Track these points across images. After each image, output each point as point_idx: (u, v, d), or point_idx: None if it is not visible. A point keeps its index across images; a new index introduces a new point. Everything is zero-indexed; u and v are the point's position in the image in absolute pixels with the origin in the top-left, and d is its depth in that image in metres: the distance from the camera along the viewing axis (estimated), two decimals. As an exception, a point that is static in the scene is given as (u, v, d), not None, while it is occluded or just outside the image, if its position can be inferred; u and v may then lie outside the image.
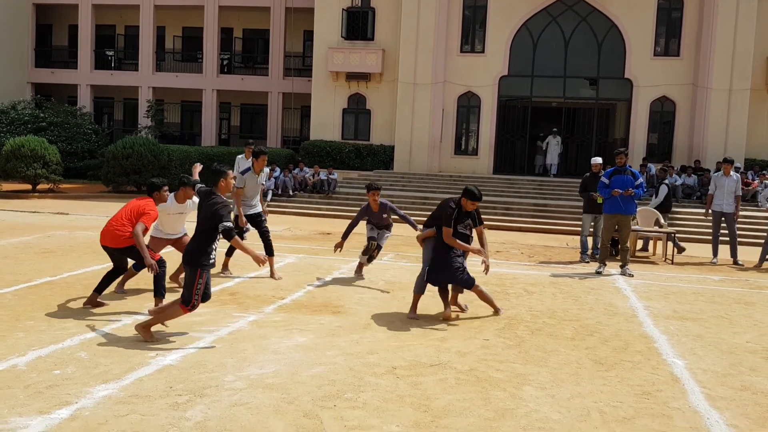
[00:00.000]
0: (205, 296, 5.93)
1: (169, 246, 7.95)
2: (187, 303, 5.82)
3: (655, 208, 13.55)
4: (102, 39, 31.54)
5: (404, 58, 23.26)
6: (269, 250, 8.90)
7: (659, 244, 13.04)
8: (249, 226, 9.17)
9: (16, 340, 5.73)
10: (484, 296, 7.23)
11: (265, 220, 9.23)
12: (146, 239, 6.87)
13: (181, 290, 7.87)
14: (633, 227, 11.64)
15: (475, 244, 7.17)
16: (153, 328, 5.90)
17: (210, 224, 5.81)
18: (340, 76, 24.69)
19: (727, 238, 12.48)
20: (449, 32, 23.49)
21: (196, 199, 8.00)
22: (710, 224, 13.08)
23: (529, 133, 24.17)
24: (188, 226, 7.63)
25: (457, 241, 6.89)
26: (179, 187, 7.72)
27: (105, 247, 7.01)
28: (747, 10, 21.41)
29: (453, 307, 7.28)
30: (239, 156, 12.58)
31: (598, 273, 10.41)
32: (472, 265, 7.61)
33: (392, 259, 11.13)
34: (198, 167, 8.44)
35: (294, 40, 29.29)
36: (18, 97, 28.57)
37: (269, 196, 18.80)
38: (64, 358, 5.28)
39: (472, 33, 23.91)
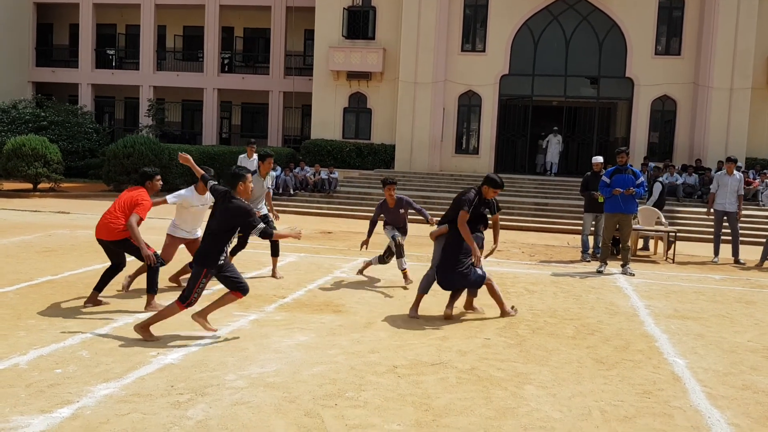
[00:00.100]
0: (243, 289, 5.96)
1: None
2: (185, 300, 5.82)
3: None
4: (103, 38, 31.55)
5: (405, 57, 23.26)
6: (275, 250, 8.91)
7: (660, 243, 13.03)
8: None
9: (18, 339, 5.73)
10: (494, 293, 7.15)
11: (274, 219, 9.19)
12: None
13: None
14: (634, 226, 11.63)
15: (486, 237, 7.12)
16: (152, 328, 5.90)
17: (228, 226, 5.80)
18: (341, 75, 24.69)
19: (728, 238, 12.47)
20: (450, 31, 23.49)
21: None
22: (711, 223, 13.08)
23: (530, 132, 24.17)
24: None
25: (467, 230, 6.80)
26: (197, 181, 7.69)
27: (100, 241, 6.98)
28: (748, 9, 21.40)
29: (467, 310, 7.27)
30: (241, 156, 12.61)
31: (599, 272, 10.41)
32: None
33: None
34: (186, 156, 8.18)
35: (295, 39, 29.29)
36: (19, 96, 28.59)
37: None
38: (65, 357, 5.28)
39: (473, 32, 23.90)
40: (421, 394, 4.78)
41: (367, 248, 8.99)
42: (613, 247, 11.66)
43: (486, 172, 22.93)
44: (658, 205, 13.72)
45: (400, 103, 23.53)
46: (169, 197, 7.73)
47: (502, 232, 16.57)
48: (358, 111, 25.03)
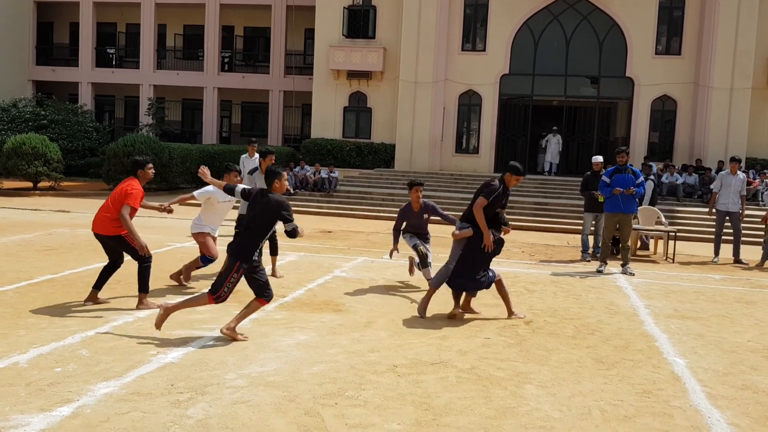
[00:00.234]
0: (269, 296, 5.94)
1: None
2: (215, 293, 5.82)
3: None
4: (103, 37, 31.56)
5: (405, 56, 23.26)
6: (274, 249, 8.91)
7: (660, 242, 13.03)
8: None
9: (18, 337, 5.73)
10: (502, 291, 7.10)
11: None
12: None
13: (175, 290, 7.88)
14: (634, 226, 11.63)
15: None
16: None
17: (266, 221, 5.81)
18: (341, 75, 24.69)
19: (729, 238, 12.45)
20: (450, 30, 23.49)
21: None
22: (711, 223, 13.07)
23: (530, 132, 24.16)
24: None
25: (482, 216, 6.76)
26: (223, 174, 7.64)
27: (97, 236, 6.96)
28: (748, 9, 21.39)
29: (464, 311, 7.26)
30: (243, 156, 12.60)
31: (599, 272, 10.41)
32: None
33: (393, 257, 11.12)
34: (205, 170, 8.26)
35: (295, 38, 29.29)
36: (19, 94, 28.59)
37: None
38: (65, 356, 5.28)
39: (473, 31, 23.90)
40: (421, 394, 4.78)
41: (398, 252, 8.62)
42: (613, 247, 11.66)
43: (486, 171, 23.14)
44: (650, 203, 13.72)
45: (400, 103, 23.53)
46: (196, 192, 7.73)
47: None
48: (358, 110, 25.03)
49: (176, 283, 8.11)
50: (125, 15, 31.38)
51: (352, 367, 5.28)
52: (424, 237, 8.59)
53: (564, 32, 23.34)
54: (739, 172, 12.25)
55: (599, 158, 12.39)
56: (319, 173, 20.75)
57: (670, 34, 22.95)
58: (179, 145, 23.29)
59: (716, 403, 4.85)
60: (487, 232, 6.80)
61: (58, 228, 12.83)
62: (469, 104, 24.03)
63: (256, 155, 13.42)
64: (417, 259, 8.48)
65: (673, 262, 11.94)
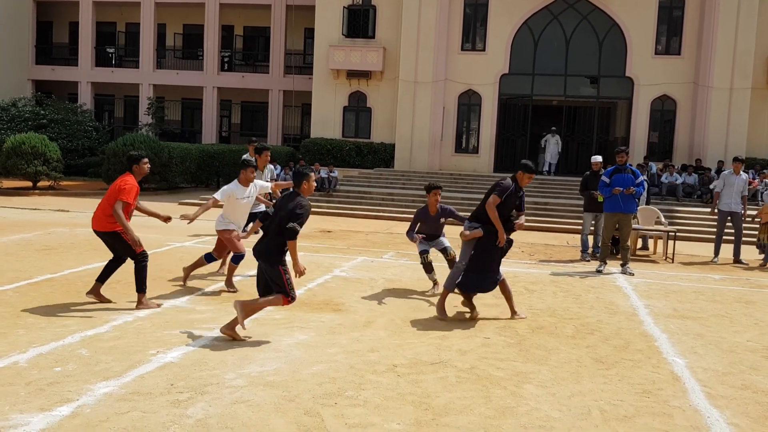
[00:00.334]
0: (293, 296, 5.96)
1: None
2: (287, 295, 5.85)
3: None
4: (103, 36, 31.55)
5: (405, 56, 23.26)
6: None
7: (660, 242, 13.03)
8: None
9: (17, 337, 5.73)
10: (506, 291, 7.08)
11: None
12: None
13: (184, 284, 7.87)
14: (633, 226, 11.63)
15: None
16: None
17: (285, 222, 5.82)
18: (341, 74, 24.69)
19: (730, 238, 12.43)
20: (450, 30, 23.49)
21: (258, 182, 7.96)
22: (711, 223, 13.06)
23: (529, 132, 24.16)
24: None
25: (495, 213, 6.73)
26: (239, 171, 7.59)
27: (96, 232, 6.95)
28: (748, 9, 21.39)
29: (464, 309, 7.27)
30: (244, 156, 12.53)
31: (599, 271, 10.41)
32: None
33: (393, 257, 11.14)
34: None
35: (295, 37, 29.28)
36: (18, 94, 28.58)
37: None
38: (64, 355, 5.28)
39: (473, 31, 23.90)
40: (421, 393, 4.78)
41: (422, 237, 8.33)
42: (613, 247, 11.66)
43: (486, 171, 23.15)
44: (645, 203, 13.72)
45: (400, 102, 23.53)
46: (217, 195, 7.67)
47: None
48: (357, 110, 25.03)
49: (185, 277, 8.06)
50: (125, 14, 31.37)
51: (351, 367, 5.28)
52: (438, 243, 8.36)
53: (564, 32, 23.34)
54: (741, 172, 12.24)
55: (598, 158, 12.39)
56: (319, 173, 20.73)
57: (669, 34, 22.95)
58: (179, 144, 23.28)
59: (715, 403, 4.85)
60: (501, 228, 6.79)
61: (57, 227, 12.83)
62: (468, 104, 24.03)
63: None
64: (422, 264, 8.33)
65: (673, 262, 11.94)
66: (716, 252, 12.30)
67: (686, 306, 8.20)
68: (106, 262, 7.16)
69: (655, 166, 20.87)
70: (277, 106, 29.42)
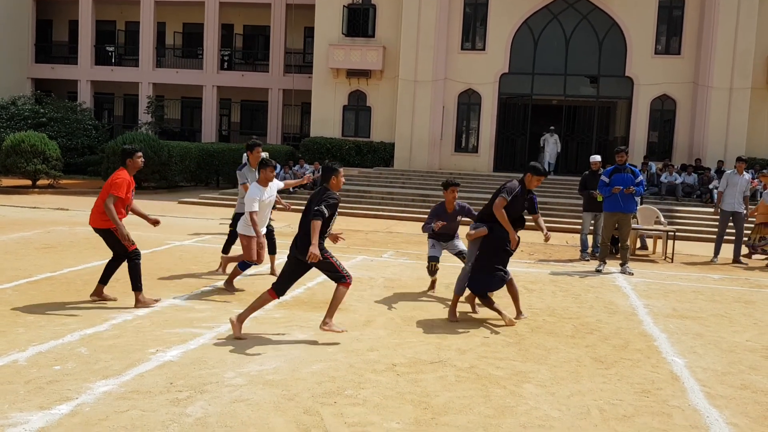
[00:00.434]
0: (280, 291, 6.01)
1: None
2: (343, 279, 5.92)
3: None
4: (102, 34, 31.52)
5: (405, 55, 23.25)
6: (272, 248, 8.90)
7: (659, 242, 13.04)
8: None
9: (17, 335, 5.73)
10: (513, 291, 7.05)
11: (285, 208, 9.24)
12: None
13: (224, 280, 7.85)
14: (633, 225, 11.64)
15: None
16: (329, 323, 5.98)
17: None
18: (341, 73, 24.68)
19: (731, 238, 12.41)
20: (450, 29, 23.48)
21: (278, 183, 7.87)
22: (710, 222, 13.05)
23: (529, 131, 24.16)
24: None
25: (504, 215, 6.68)
26: (259, 170, 7.55)
27: (94, 229, 6.94)
28: (748, 9, 21.39)
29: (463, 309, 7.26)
30: (245, 154, 12.50)
31: (598, 271, 10.41)
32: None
33: (392, 256, 11.14)
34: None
35: (294, 36, 29.27)
36: (18, 92, 28.57)
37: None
38: (64, 354, 5.28)
39: (473, 30, 23.89)
40: (420, 393, 4.78)
41: (437, 227, 8.00)
42: (612, 246, 11.67)
43: (485, 170, 23.15)
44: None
45: (399, 102, 23.52)
46: (254, 207, 7.45)
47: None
48: (357, 109, 25.02)
49: (223, 273, 7.99)
50: (124, 13, 31.34)
51: (351, 366, 5.28)
52: (452, 245, 8.11)
53: (564, 31, 23.33)
54: (744, 172, 12.23)
55: (597, 157, 12.40)
56: (318, 172, 20.74)
57: (669, 34, 22.95)
58: (178, 143, 23.28)
59: (715, 403, 4.86)
60: (512, 231, 6.76)
61: (57, 226, 12.83)
62: (468, 103, 24.02)
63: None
64: (428, 271, 8.12)
65: (672, 262, 11.94)
66: (716, 252, 12.29)
67: (685, 306, 8.20)
68: (105, 263, 7.15)
69: (654, 166, 20.87)
70: (277, 105, 29.41)
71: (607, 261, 10.72)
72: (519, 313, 7.12)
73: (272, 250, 8.91)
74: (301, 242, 5.93)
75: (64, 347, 5.46)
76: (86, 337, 5.77)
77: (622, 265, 10.52)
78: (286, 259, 6.16)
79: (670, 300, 8.50)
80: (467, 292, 7.21)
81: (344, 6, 24.33)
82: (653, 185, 19.91)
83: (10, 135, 21.12)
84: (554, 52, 23.43)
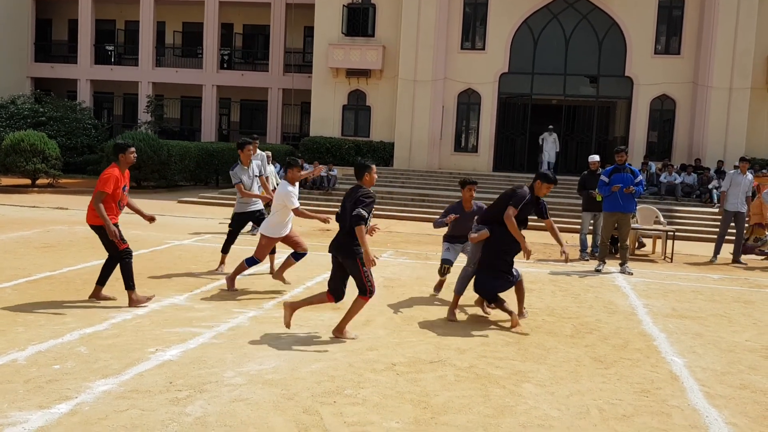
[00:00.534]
0: (337, 295, 6.11)
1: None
2: (365, 293, 5.93)
3: None
4: (102, 34, 31.51)
5: (404, 54, 23.25)
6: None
7: (658, 242, 13.04)
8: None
9: (16, 334, 5.73)
10: (520, 291, 7.00)
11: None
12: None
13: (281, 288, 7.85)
14: (632, 225, 11.64)
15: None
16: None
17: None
18: (341, 73, 24.68)
19: (731, 238, 12.41)
20: (450, 29, 23.48)
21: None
22: (709, 222, 13.05)
23: (529, 131, 24.17)
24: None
25: (514, 224, 6.57)
26: (286, 169, 7.52)
27: (90, 226, 6.93)
28: (748, 9, 21.40)
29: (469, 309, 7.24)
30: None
31: (598, 271, 10.42)
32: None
33: (391, 255, 11.14)
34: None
35: (294, 36, 29.26)
36: (17, 91, 28.55)
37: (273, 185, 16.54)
38: (63, 353, 5.28)
39: (473, 30, 23.89)
40: (420, 392, 4.78)
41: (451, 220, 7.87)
42: (612, 246, 11.67)
43: (485, 170, 23.14)
44: None
45: (399, 101, 23.52)
46: (295, 201, 7.46)
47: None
48: (357, 108, 25.02)
49: (281, 281, 7.89)
50: (124, 12, 31.33)
51: (350, 366, 5.28)
52: (467, 241, 7.68)
53: (563, 31, 23.33)
54: (747, 172, 12.22)
55: (596, 157, 12.41)
56: (318, 171, 20.72)
57: (669, 34, 22.95)
58: (178, 142, 23.27)
59: (714, 403, 4.86)
60: (524, 243, 6.63)
61: (56, 225, 12.82)
62: (468, 103, 24.02)
63: (259, 152, 13.38)
64: (440, 273, 7.89)
65: (672, 262, 11.95)
66: (717, 251, 12.26)
67: (685, 305, 8.21)
68: (103, 264, 7.14)
69: (654, 166, 20.88)
70: (277, 104, 29.41)
71: (606, 261, 10.72)
72: (520, 313, 7.11)
73: (271, 251, 8.90)
74: (339, 242, 5.98)
75: (64, 346, 5.45)
76: (86, 336, 5.77)
77: (621, 264, 10.52)
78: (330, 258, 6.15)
79: (669, 300, 8.51)
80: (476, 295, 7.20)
81: (344, 5, 24.33)
82: (653, 185, 19.91)
83: (10, 134, 21.11)
84: (554, 52, 23.43)
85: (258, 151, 13.33)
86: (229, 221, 9.23)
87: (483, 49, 23.63)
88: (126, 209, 7.10)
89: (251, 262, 7.87)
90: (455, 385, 4.96)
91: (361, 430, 4.10)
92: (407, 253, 11.40)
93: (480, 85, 23.60)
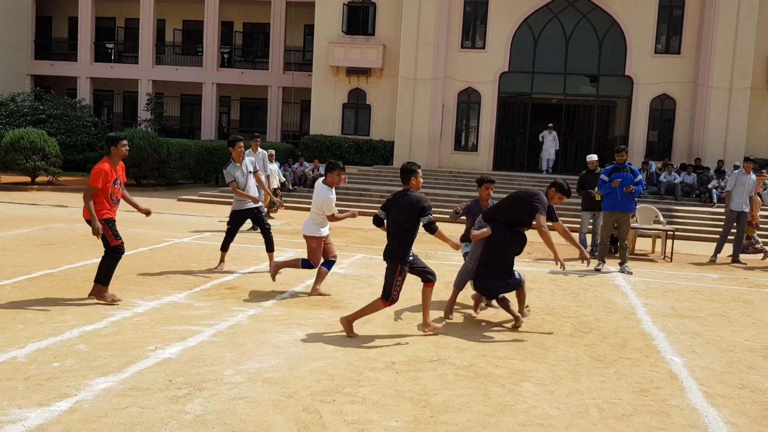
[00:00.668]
0: (433, 277, 6.21)
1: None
2: (388, 297, 5.99)
3: None
4: (102, 31, 31.49)
5: (405, 53, 23.23)
6: (270, 246, 8.89)
7: (658, 241, 13.04)
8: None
9: (16, 332, 5.73)
10: (521, 294, 6.93)
11: (279, 205, 9.23)
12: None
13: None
14: (632, 225, 11.64)
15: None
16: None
17: (410, 221, 5.98)
18: (341, 71, 24.66)
19: (731, 238, 12.41)
20: (450, 28, 23.46)
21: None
22: (710, 222, 13.04)
23: (528, 130, 24.16)
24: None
25: (551, 239, 6.46)
26: (326, 172, 7.44)
27: (86, 221, 6.92)
28: (748, 8, 21.39)
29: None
30: (246, 151, 12.49)
31: (597, 270, 10.41)
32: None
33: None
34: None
35: (294, 34, 29.24)
36: (17, 89, 28.53)
37: (274, 184, 15.61)
38: (63, 351, 5.28)
39: (473, 29, 23.88)
40: (419, 391, 4.78)
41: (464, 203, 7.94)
42: (611, 245, 11.67)
43: (485, 169, 23.13)
44: None
45: (399, 100, 23.51)
46: (333, 208, 7.40)
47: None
48: (357, 107, 25.01)
49: (320, 293, 7.70)
50: (124, 10, 31.30)
51: (350, 364, 5.28)
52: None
53: (564, 30, 23.31)
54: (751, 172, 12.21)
55: (594, 157, 12.41)
56: (318, 170, 20.73)
57: (669, 33, 22.93)
58: (178, 140, 23.26)
59: (713, 402, 4.86)
60: (557, 253, 6.51)
61: (56, 223, 12.82)
62: (468, 102, 24.01)
63: (261, 151, 13.37)
64: (468, 276, 7.53)
65: (671, 261, 11.95)
66: (718, 251, 12.23)
67: (684, 305, 8.21)
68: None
69: (654, 165, 20.88)
70: (277, 102, 29.39)
71: (606, 260, 10.73)
72: (521, 312, 7.10)
73: (270, 248, 8.91)
74: (387, 247, 6.17)
75: (63, 344, 5.45)
76: (85, 334, 5.77)
77: (621, 264, 10.52)
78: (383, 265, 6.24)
79: (668, 299, 8.51)
80: (472, 291, 7.20)
81: (344, 4, 24.31)
82: (652, 184, 19.91)
83: (10, 131, 21.10)
84: (554, 51, 23.42)
85: (259, 149, 13.34)
86: (228, 219, 9.22)
87: (483, 48, 23.61)
88: (126, 206, 7.09)
89: (328, 265, 7.71)
90: (455, 384, 4.96)
91: (360, 429, 4.10)
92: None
93: (480, 84, 23.58)
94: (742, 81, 21.55)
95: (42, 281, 7.76)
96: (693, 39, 22.41)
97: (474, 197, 7.90)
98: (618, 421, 4.43)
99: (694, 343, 6.47)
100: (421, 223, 5.98)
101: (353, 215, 7.54)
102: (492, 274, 6.69)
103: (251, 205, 8.91)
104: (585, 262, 6.88)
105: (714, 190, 19.04)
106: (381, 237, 9.60)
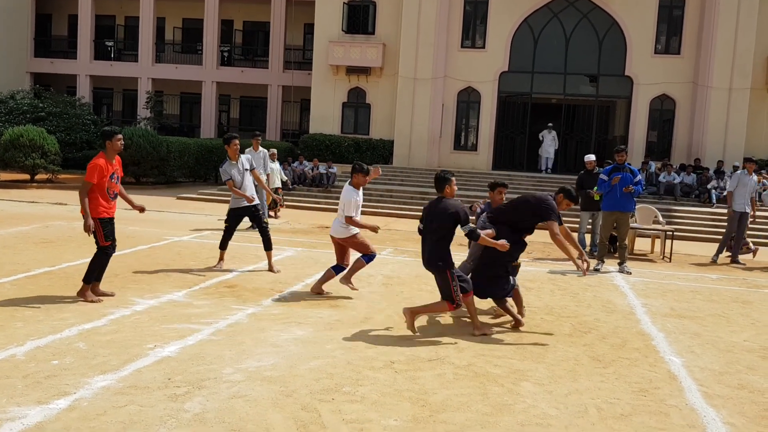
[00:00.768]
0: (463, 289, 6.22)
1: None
2: (453, 302, 6.11)
3: None
4: (102, 29, 31.46)
5: (405, 52, 23.22)
6: (267, 244, 8.88)
7: (657, 241, 13.05)
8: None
9: (15, 330, 5.72)
10: (518, 297, 6.92)
11: (279, 204, 9.15)
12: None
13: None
14: (631, 225, 11.64)
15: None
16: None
17: (446, 228, 6.04)
18: (341, 70, 24.66)
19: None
20: (450, 27, 23.45)
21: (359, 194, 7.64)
22: (709, 222, 13.05)
23: (528, 130, 24.16)
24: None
25: (567, 246, 6.46)
26: (351, 174, 7.45)
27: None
28: (748, 9, 21.39)
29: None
30: (248, 149, 12.51)
31: (596, 270, 10.42)
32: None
33: (391, 253, 11.14)
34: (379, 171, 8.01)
35: (294, 33, 29.23)
36: (17, 86, 28.50)
37: (276, 183, 15.45)
38: (62, 349, 5.28)
39: (473, 28, 23.87)
40: (418, 390, 4.78)
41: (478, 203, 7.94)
42: (610, 245, 11.68)
43: (484, 168, 23.13)
44: None
45: (399, 99, 23.50)
46: (353, 211, 7.38)
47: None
48: (357, 106, 25.00)
49: (349, 286, 7.62)
50: (124, 8, 31.27)
51: (349, 363, 5.28)
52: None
53: (564, 30, 23.31)
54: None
55: (592, 157, 12.42)
56: (317, 169, 20.73)
57: (669, 34, 22.93)
58: (177, 138, 23.23)
59: (712, 402, 4.87)
60: (576, 259, 6.50)
61: (55, 220, 12.81)
62: (468, 101, 24.01)
63: (262, 150, 13.36)
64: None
65: (670, 262, 11.96)
66: (720, 251, 12.21)
67: (683, 305, 8.22)
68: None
69: (654, 165, 20.88)
70: (276, 101, 29.39)
71: (605, 260, 10.73)
72: (520, 314, 7.10)
73: (268, 247, 8.90)
74: (425, 257, 6.21)
75: (62, 342, 5.45)
76: (84, 332, 5.77)
77: (620, 264, 10.53)
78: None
79: (668, 299, 8.51)
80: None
81: (344, 3, 24.30)
82: (652, 185, 19.91)
83: (9, 129, 21.07)
84: (554, 51, 23.41)
85: (260, 148, 13.32)
86: (225, 218, 9.22)
87: (483, 47, 23.60)
88: (124, 203, 7.09)
89: (368, 259, 7.65)
90: (454, 383, 4.96)
91: (359, 428, 4.11)
92: (406, 251, 11.40)
93: (480, 83, 23.58)
94: (741, 81, 21.55)
95: (41, 279, 7.76)
96: (693, 39, 22.41)
97: (473, 197, 7.89)
98: (617, 421, 4.43)
99: (693, 343, 6.47)
100: (464, 232, 6.06)
101: (375, 230, 7.59)
102: (489, 277, 6.64)
103: (241, 204, 8.88)
104: (582, 273, 6.69)
105: (713, 191, 19.04)
106: (381, 236, 9.61)
